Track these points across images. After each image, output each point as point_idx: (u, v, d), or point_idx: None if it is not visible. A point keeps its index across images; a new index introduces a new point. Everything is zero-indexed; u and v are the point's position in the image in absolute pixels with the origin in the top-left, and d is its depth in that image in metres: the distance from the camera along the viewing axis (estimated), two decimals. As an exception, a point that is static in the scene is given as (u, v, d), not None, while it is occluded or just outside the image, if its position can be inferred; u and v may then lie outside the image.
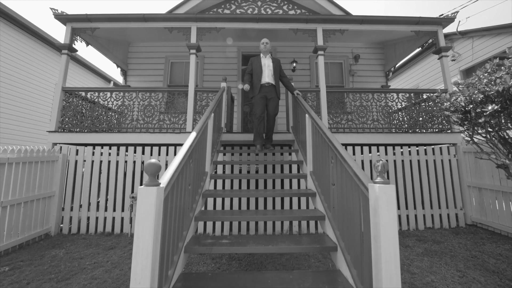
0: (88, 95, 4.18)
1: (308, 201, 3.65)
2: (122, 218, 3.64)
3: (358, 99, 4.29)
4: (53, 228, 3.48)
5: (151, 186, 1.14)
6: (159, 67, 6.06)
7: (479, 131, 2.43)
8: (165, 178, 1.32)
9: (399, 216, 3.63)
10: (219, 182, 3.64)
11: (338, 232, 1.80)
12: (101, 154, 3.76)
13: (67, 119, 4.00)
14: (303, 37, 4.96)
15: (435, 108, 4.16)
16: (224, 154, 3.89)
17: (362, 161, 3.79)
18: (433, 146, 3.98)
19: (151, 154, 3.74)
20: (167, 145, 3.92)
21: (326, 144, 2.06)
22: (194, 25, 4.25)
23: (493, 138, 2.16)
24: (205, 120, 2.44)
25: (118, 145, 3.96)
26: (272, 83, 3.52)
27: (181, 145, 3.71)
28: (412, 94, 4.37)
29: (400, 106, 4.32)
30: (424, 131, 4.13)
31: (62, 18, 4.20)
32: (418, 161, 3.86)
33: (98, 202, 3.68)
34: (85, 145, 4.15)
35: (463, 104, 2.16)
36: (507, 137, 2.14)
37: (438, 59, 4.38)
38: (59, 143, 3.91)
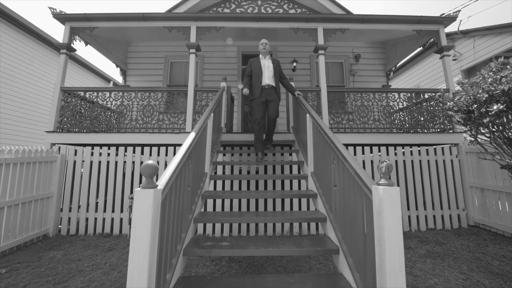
0: (87, 95, 4.15)
1: (308, 202, 3.62)
2: (121, 219, 3.61)
3: (359, 98, 4.26)
4: (51, 229, 3.45)
5: (148, 188, 1.11)
6: (158, 67, 6.03)
7: (483, 131, 2.39)
8: (163, 180, 1.28)
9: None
10: (219, 183, 3.61)
11: (340, 234, 1.76)
12: (100, 154, 3.72)
13: (65, 119, 3.97)
14: (303, 36, 4.92)
15: (437, 108, 4.12)
16: (224, 155, 3.85)
17: (363, 161, 3.75)
18: (435, 146, 3.94)
19: (151, 155, 3.70)
20: (167, 145, 3.88)
21: (328, 145, 2.02)
22: (193, 24, 4.21)
23: (498, 139, 2.12)
24: (204, 120, 2.40)
25: (117, 145, 3.92)
26: (273, 85, 3.41)
27: (180, 145, 3.66)
28: (413, 94, 4.33)
29: (402, 106, 4.28)
30: (426, 131, 4.09)
31: (61, 17, 4.17)
32: (420, 161, 3.82)
33: (97, 203, 3.65)
34: (84, 145, 4.11)
35: (466, 103, 2.13)
36: (512, 137, 2.11)
37: (440, 58, 4.34)
38: (58, 144, 3.88)
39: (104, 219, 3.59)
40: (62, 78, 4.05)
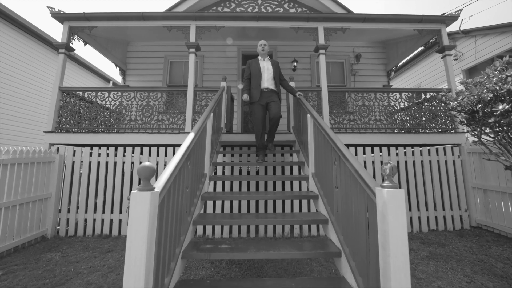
0: (86, 95, 4.12)
1: (309, 203, 3.58)
2: (120, 220, 3.57)
3: (361, 98, 4.22)
4: (49, 231, 3.42)
5: (145, 191, 1.07)
6: (158, 67, 6.00)
7: (486, 131, 2.35)
8: (160, 182, 1.25)
9: (403, 218, 3.55)
10: (219, 184, 3.58)
11: (342, 237, 1.73)
12: (99, 155, 3.69)
13: (64, 119, 3.94)
14: (303, 36, 4.88)
15: (438, 108, 4.08)
16: (224, 155, 3.82)
17: (365, 162, 3.72)
18: (436, 147, 3.90)
19: (150, 155, 3.67)
20: (166, 145, 3.85)
21: (329, 145, 1.99)
22: (193, 24, 4.18)
23: (503, 139, 2.08)
24: (204, 120, 2.37)
25: (116, 146, 3.89)
26: (273, 88, 3.29)
27: (180, 145, 3.64)
28: (414, 94, 4.30)
29: (403, 106, 4.25)
30: (428, 131, 4.05)
31: (59, 16, 4.13)
32: (422, 161, 3.78)
33: (95, 204, 3.61)
34: (83, 145, 4.08)
35: (470, 103, 2.09)
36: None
37: (442, 58, 4.31)
38: (56, 144, 3.84)
39: (103, 220, 3.56)
40: (60, 77, 4.01)
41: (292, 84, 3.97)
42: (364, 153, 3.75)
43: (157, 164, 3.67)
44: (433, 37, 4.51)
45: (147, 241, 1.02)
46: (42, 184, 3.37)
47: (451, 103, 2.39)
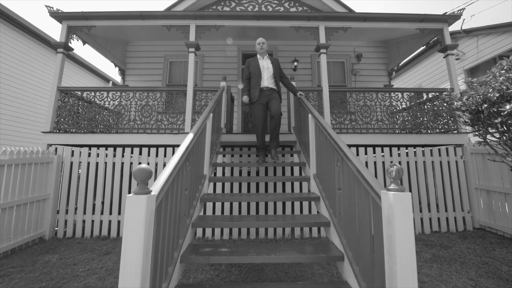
0: (84, 95, 4.08)
1: (310, 204, 3.54)
2: (119, 222, 3.53)
3: (362, 98, 4.18)
4: (47, 232, 3.37)
5: (141, 194, 1.03)
6: (158, 67, 5.95)
7: (491, 131, 2.31)
8: (157, 185, 1.20)
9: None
10: (219, 185, 3.54)
11: (344, 240, 1.68)
12: (98, 155, 3.65)
13: (62, 120, 3.90)
14: (304, 35, 4.83)
15: (441, 108, 4.04)
16: (224, 156, 3.78)
17: (366, 163, 3.67)
18: (439, 147, 3.86)
19: (149, 155, 3.63)
20: (165, 146, 3.80)
21: (331, 146, 1.95)
22: (193, 23, 4.13)
23: (509, 140, 2.03)
24: (203, 120, 2.33)
25: (115, 146, 3.85)
26: (273, 87, 3.21)
27: (179, 146, 3.61)
28: (416, 94, 4.25)
29: (405, 106, 4.20)
30: (430, 131, 4.01)
31: (58, 16, 4.09)
32: (424, 162, 3.74)
33: (94, 205, 3.57)
34: (81, 146, 4.04)
35: (475, 103, 2.04)
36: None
37: (444, 57, 4.26)
38: (54, 144, 3.80)
39: (101, 221, 3.52)
40: (59, 77, 3.97)
41: (293, 83, 3.92)
42: (366, 154, 3.71)
43: (156, 165, 3.63)
44: (435, 37, 4.46)
45: (143, 247, 0.98)
46: (40, 185, 3.33)
47: (455, 102, 2.34)
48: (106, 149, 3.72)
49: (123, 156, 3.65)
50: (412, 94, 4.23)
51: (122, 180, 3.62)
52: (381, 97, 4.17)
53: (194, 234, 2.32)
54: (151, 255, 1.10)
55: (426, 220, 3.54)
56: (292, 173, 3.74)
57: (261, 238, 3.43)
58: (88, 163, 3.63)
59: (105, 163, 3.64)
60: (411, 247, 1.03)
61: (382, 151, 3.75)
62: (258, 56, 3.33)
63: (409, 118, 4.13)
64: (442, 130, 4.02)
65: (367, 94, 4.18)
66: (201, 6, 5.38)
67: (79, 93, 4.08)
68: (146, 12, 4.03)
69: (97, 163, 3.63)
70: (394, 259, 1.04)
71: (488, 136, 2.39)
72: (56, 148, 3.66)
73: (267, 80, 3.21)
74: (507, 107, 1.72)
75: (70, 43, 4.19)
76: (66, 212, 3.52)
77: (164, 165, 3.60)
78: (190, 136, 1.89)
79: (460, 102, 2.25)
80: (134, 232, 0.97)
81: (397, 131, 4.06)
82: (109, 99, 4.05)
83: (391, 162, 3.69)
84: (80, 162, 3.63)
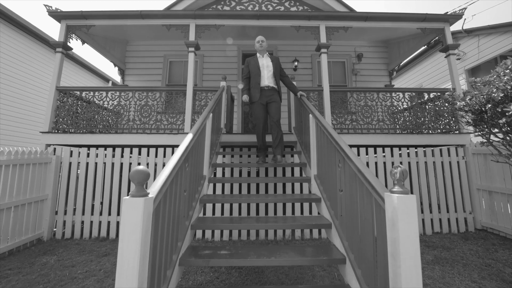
0: (83, 95, 4.05)
1: (311, 206, 3.51)
2: (118, 223, 3.50)
3: (363, 98, 4.15)
4: (45, 233, 3.34)
5: (138, 196, 1.00)
6: (157, 66, 5.92)
7: (493, 131, 2.28)
8: (155, 187, 1.17)
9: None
10: (218, 186, 3.51)
11: (346, 242, 1.65)
12: (97, 155, 3.62)
13: (61, 120, 3.87)
14: (304, 35, 4.80)
15: (442, 108, 4.01)
16: (224, 156, 3.75)
17: (367, 163, 3.64)
18: (440, 148, 3.83)
19: (148, 156, 3.60)
20: (165, 146, 3.78)
21: (333, 147, 1.92)
22: (192, 22, 4.10)
23: (513, 141, 2.01)
24: (203, 121, 2.30)
25: (114, 146, 3.82)
26: (273, 86, 3.14)
27: (178, 146, 3.58)
28: (418, 94, 4.22)
29: (406, 106, 4.17)
30: (431, 132, 3.98)
31: (57, 15, 4.06)
32: (425, 162, 3.71)
33: (93, 205, 3.54)
34: (80, 146, 4.01)
35: (479, 103, 2.01)
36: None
37: (445, 57, 4.23)
38: (53, 145, 3.77)
39: (100, 222, 3.49)
40: (57, 77, 3.94)
41: (294, 83, 3.90)
42: (367, 154, 3.68)
43: (155, 165, 3.60)
44: (436, 36, 4.44)
45: (140, 251, 0.95)
46: (38, 185, 3.30)
47: (458, 103, 2.31)
48: (105, 149, 3.69)
49: (122, 156, 3.62)
50: (413, 94, 4.21)
51: (121, 181, 3.59)
52: (382, 97, 4.14)
53: (193, 236, 2.30)
54: (149, 258, 1.07)
55: (428, 221, 3.52)
56: (292, 174, 3.71)
57: (261, 239, 3.40)
58: (87, 163, 3.60)
59: (104, 163, 3.61)
60: (416, 251, 1.00)
61: (383, 152, 3.72)
62: (258, 54, 3.27)
63: (410, 118, 4.10)
64: (444, 131, 3.99)
65: (368, 94, 4.16)
66: (201, 6, 5.35)
67: (78, 93, 4.05)
68: (145, 11, 4.00)
69: (96, 163, 3.60)
70: (398, 263, 1.01)
71: (491, 137, 2.36)
72: (54, 148, 3.63)
73: (267, 79, 3.16)
74: (512, 107, 1.70)
75: (69, 42, 4.16)
76: (65, 213, 3.49)
77: (164, 166, 3.57)
78: (189, 137, 1.86)
79: (463, 102, 2.22)
80: (131, 235, 0.95)
81: (398, 131, 4.03)
82: (108, 99, 4.02)
83: (393, 162, 3.66)
84: (79, 162, 3.61)
